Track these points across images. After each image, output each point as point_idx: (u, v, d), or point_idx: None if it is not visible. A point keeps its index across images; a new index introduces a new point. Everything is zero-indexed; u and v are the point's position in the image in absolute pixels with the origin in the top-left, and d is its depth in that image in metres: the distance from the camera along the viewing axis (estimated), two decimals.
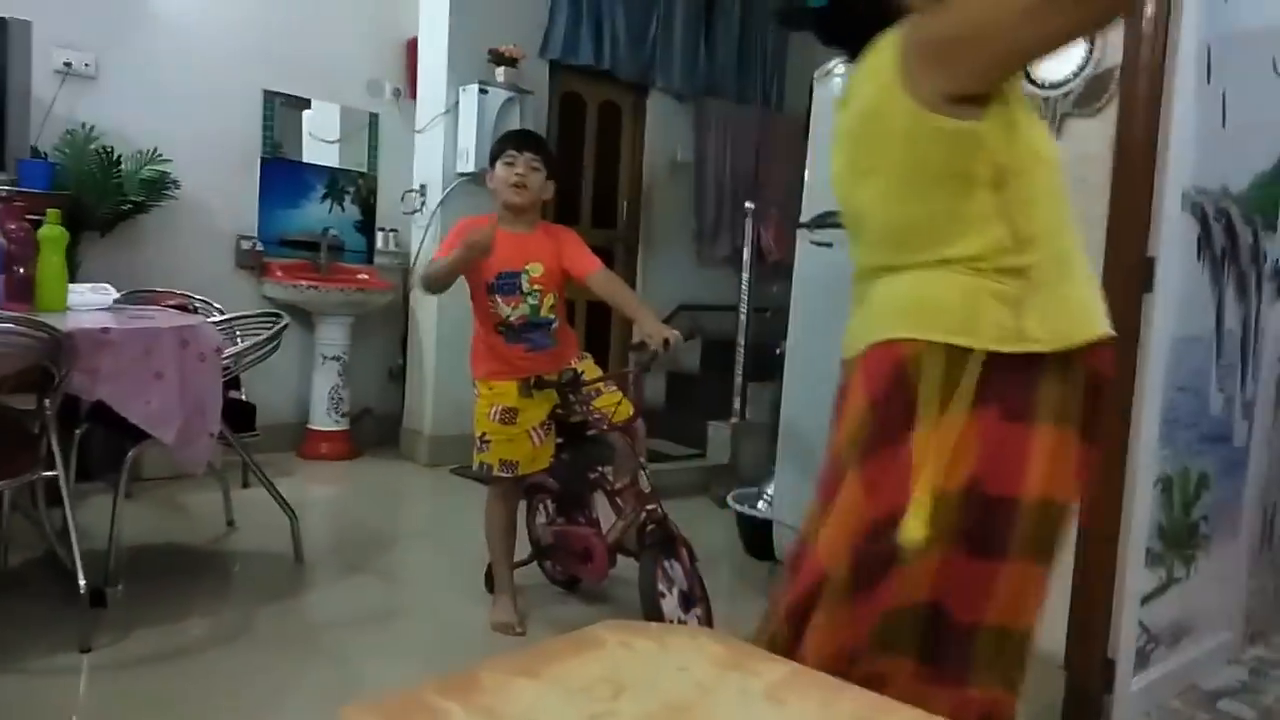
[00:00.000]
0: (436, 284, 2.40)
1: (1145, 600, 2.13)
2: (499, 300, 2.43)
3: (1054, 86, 2.15)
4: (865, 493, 1.17)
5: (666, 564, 2.32)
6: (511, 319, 2.43)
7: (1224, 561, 2.45)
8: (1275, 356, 2.58)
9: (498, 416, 2.43)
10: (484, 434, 2.46)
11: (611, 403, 2.44)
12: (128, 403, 2.23)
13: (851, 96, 1.26)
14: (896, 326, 1.17)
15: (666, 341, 2.32)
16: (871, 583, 1.16)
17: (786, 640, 1.22)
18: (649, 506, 2.36)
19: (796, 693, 1.12)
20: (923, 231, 1.18)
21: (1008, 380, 1.12)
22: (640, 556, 2.34)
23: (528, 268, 2.44)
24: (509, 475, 2.45)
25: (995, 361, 1.11)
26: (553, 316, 2.48)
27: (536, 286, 2.44)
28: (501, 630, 2.46)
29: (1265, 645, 2.68)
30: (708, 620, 2.25)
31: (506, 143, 2.50)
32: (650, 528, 2.35)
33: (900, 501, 1.12)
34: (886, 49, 1.16)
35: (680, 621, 2.25)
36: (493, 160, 2.50)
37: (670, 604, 2.29)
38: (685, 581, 2.32)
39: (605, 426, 2.45)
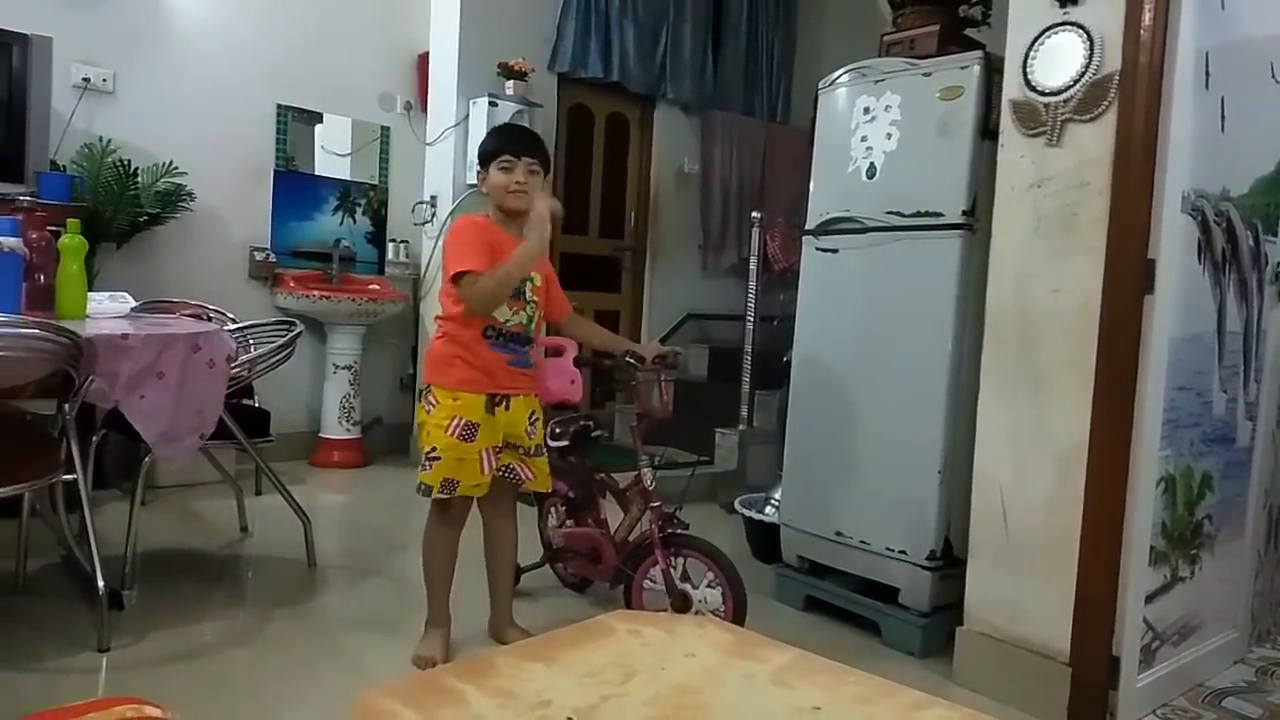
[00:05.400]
0: (498, 297, 2.19)
1: (1149, 598, 2.14)
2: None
3: (1055, 93, 2.19)
4: None
5: (685, 556, 2.38)
6: (509, 324, 2.25)
7: (1229, 561, 2.46)
8: (1278, 358, 2.59)
9: (458, 431, 2.19)
10: (433, 449, 2.21)
11: (541, 469, 2.37)
12: (125, 395, 2.25)
13: None
14: None
15: (673, 354, 2.42)
16: None
17: None
18: (653, 504, 2.39)
19: (802, 677, 1.15)
20: None
21: None
22: (658, 551, 2.37)
23: (531, 275, 2.29)
24: (448, 495, 2.22)
25: None
26: (532, 337, 2.33)
27: (535, 297, 2.32)
28: (422, 666, 2.22)
29: (1272, 645, 2.69)
30: (736, 606, 2.28)
31: (502, 144, 2.30)
32: (662, 523, 2.38)
33: None
34: None
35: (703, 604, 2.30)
36: (485, 160, 2.29)
37: (695, 594, 2.33)
38: (707, 575, 2.37)
39: (523, 485, 2.36)
